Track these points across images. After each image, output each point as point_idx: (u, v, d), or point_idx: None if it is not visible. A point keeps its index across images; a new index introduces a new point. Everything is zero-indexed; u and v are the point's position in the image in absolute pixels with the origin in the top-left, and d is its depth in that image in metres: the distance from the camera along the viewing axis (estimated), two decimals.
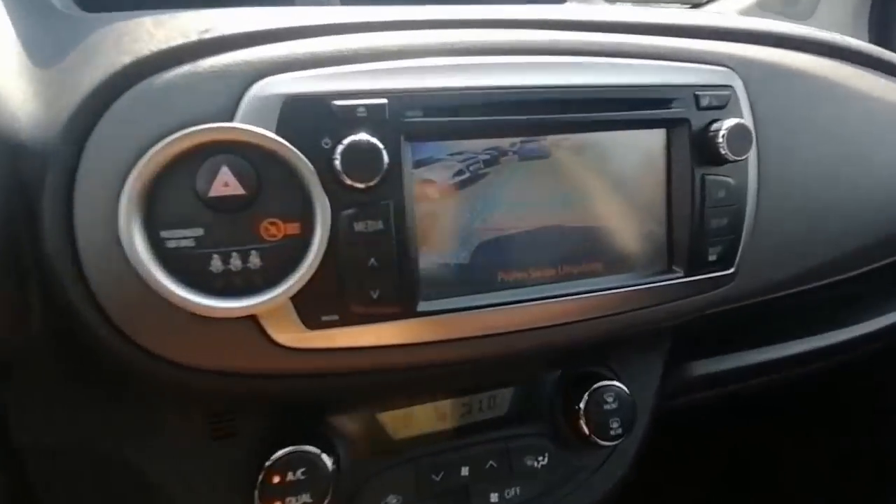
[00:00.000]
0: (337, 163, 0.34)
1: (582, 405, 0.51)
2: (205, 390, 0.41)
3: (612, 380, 0.52)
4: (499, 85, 0.39)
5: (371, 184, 0.35)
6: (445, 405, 0.51)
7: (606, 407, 0.50)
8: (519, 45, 0.41)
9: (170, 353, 0.37)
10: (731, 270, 0.47)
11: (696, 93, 0.43)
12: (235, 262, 0.35)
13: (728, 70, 0.46)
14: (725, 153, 0.42)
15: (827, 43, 0.56)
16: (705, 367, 0.58)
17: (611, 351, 0.55)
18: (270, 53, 0.36)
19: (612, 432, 0.50)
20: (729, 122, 0.42)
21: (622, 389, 0.51)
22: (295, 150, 0.35)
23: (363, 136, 0.34)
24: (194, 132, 0.33)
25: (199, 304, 0.35)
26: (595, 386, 0.51)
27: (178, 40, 0.36)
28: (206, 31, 0.37)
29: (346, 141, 0.34)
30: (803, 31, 0.55)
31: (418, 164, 0.39)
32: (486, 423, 0.52)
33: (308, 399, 0.46)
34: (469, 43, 0.40)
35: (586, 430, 0.50)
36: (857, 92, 0.55)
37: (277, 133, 0.35)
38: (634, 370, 0.55)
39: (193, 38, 0.37)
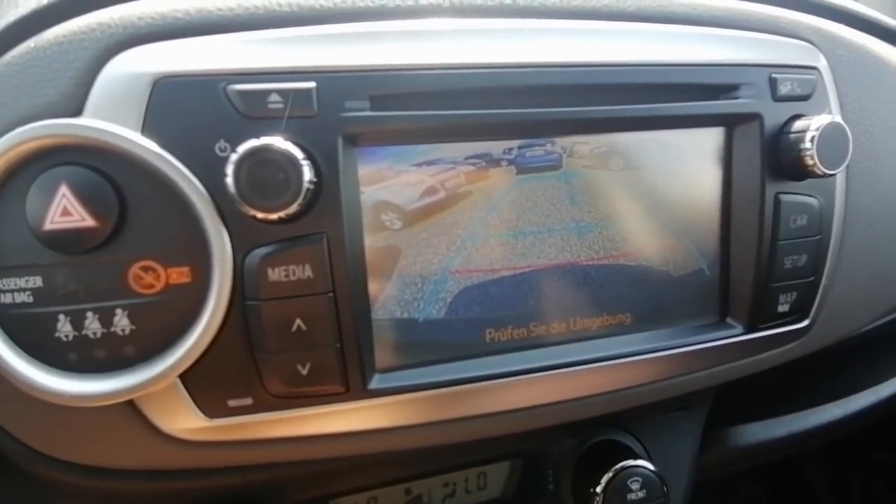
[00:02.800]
0: (229, 182, 0.22)
1: (600, 490, 0.39)
2: (89, 488, 0.30)
3: (637, 455, 0.40)
4: (487, 61, 0.27)
5: (287, 212, 0.23)
6: (420, 486, 0.40)
7: (631, 496, 0.38)
8: (519, 3, 0.29)
9: (34, 443, 0.28)
10: (806, 323, 0.35)
11: (774, 75, 0.30)
12: (93, 326, 0.24)
13: (811, 47, 0.33)
14: (813, 164, 0.30)
15: None
16: (755, 433, 0.46)
17: (634, 414, 0.42)
18: (137, 11, 0.24)
19: None
20: (820, 121, 0.29)
21: (651, 473, 0.39)
22: (171, 159, 0.23)
23: (272, 142, 0.22)
24: (12, 137, 0.22)
25: (40, 387, 0.24)
26: (617, 466, 0.39)
27: (21, 10, 0.25)
28: None
29: (241, 149, 0.22)
30: (884, 18, 0.43)
31: (368, 179, 0.27)
32: None
33: (229, 492, 0.34)
34: None
35: None
36: None
37: (145, 133, 0.23)
38: (664, 440, 0.43)
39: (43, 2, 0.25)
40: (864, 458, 0.66)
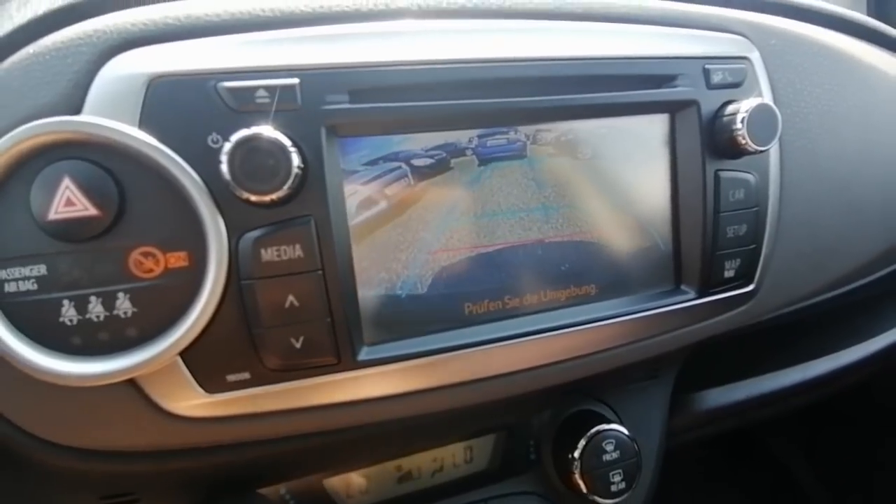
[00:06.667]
0: (224, 168, 0.24)
1: (577, 454, 0.42)
2: (90, 472, 0.32)
3: (610, 421, 0.43)
4: (454, 58, 0.30)
5: (278, 195, 0.25)
6: (410, 462, 0.42)
7: (606, 457, 0.41)
8: (481, 5, 0.32)
9: (35, 430, 0.29)
10: (751, 287, 0.39)
11: (707, 66, 0.34)
12: (96, 310, 0.26)
13: (743, 39, 0.37)
14: (745, 143, 0.33)
15: (849, 20, 0.48)
16: (717, 397, 0.50)
17: (606, 384, 0.46)
18: (130, 18, 0.26)
19: (613, 487, 0.41)
20: (749, 104, 0.33)
21: (623, 434, 0.42)
22: (168, 151, 0.25)
23: (262, 131, 0.24)
24: (17, 134, 0.24)
25: (45, 370, 0.25)
26: (591, 431, 0.42)
27: (18, 19, 0.27)
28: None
29: (234, 138, 0.24)
30: (822, 5, 0.48)
31: (350, 167, 0.29)
32: (463, 481, 0.43)
33: (228, 472, 0.36)
34: (412, 2, 0.31)
35: (583, 487, 0.41)
36: (883, 75, 0.47)
37: (142, 128, 0.25)
38: (636, 407, 0.46)
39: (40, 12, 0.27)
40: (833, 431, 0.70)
